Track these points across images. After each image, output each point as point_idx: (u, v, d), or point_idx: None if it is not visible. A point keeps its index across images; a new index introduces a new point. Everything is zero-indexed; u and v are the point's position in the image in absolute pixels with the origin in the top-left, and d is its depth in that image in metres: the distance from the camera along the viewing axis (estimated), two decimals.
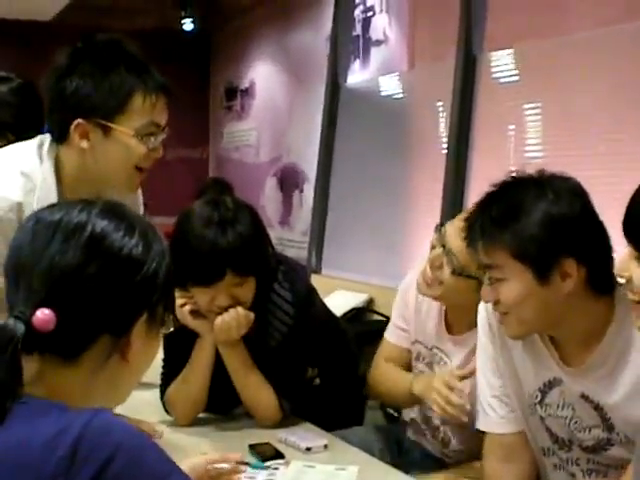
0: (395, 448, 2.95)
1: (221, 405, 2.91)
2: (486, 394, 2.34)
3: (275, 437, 2.62)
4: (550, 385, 2.19)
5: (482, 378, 2.35)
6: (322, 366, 2.86)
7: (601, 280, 2.06)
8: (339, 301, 4.82)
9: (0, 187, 2.31)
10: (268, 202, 6.84)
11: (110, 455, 1.16)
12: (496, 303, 2.12)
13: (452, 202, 4.67)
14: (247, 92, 7.64)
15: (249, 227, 2.62)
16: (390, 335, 2.94)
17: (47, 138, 2.41)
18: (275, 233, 6.49)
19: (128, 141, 2.31)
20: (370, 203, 5.43)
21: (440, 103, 5.03)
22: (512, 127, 4.59)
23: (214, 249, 2.55)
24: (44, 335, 1.26)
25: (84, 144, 2.32)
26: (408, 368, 2.88)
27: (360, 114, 5.82)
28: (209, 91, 8.49)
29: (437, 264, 2.60)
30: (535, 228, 2.02)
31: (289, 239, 6.36)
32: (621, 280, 1.72)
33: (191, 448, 2.17)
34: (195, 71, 8.25)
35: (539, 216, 2.03)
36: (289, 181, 6.70)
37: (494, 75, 4.70)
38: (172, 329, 2.75)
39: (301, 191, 6.48)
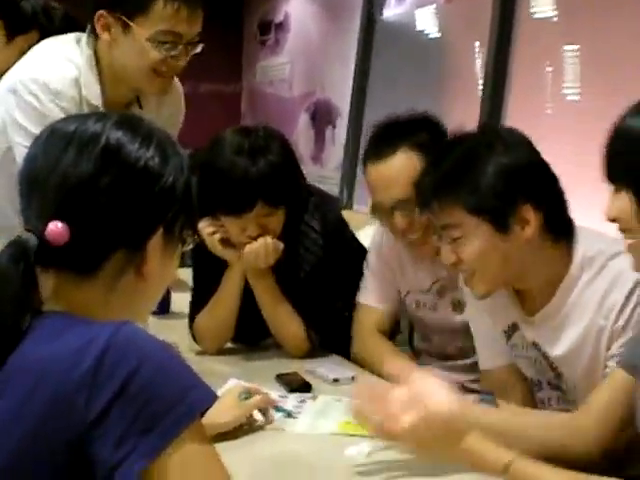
0: None
1: (250, 336, 2.92)
2: (475, 333, 2.39)
3: (303, 368, 2.61)
4: (513, 328, 2.24)
5: (470, 319, 2.41)
6: (351, 298, 2.84)
7: (558, 223, 2.09)
8: (370, 236, 4.80)
9: (54, 67, 2.41)
10: (300, 137, 6.79)
11: (136, 366, 1.14)
12: (458, 264, 2.13)
13: None
14: (281, 26, 7.56)
15: (280, 156, 2.59)
16: (370, 299, 2.81)
17: (83, 35, 2.48)
18: (307, 169, 6.37)
19: (142, 43, 2.36)
20: None
21: (477, 42, 4.95)
22: (549, 68, 4.52)
23: (245, 178, 2.53)
24: (58, 249, 1.25)
25: (106, 36, 2.40)
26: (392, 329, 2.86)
27: (395, 49, 5.75)
28: (243, 25, 8.41)
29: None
30: (489, 180, 2.04)
31: (321, 175, 6.32)
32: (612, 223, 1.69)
33: (218, 376, 2.17)
34: (229, 5, 8.17)
35: (491, 168, 2.04)
36: (322, 116, 6.65)
37: (533, 13, 4.61)
38: (200, 258, 2.78)
39: (334, 127, 6.43)
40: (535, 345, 2.20)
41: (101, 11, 2.37)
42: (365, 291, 2.82)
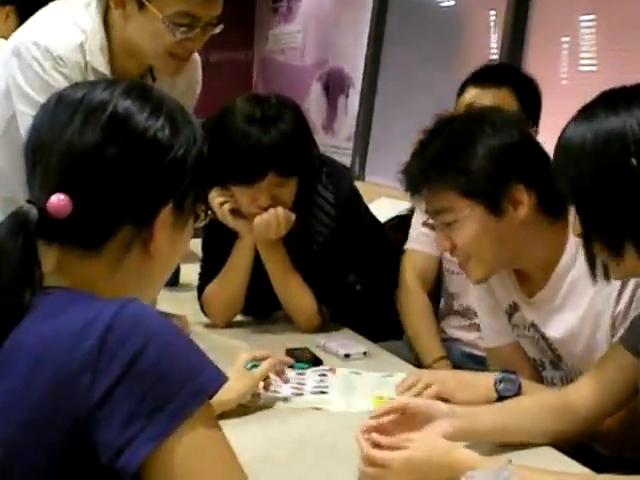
0: None
1: (260, 308, 2.87)
2: (479, 311, 2.38)
3: (313, 343, 2.57)
4: (514, 308, 2.22)
5: (474, 297, 2.39)
6: (363, 272, 2.79)
7: (552, 202, 2.05)
8: (382, 208, 4.75)
9: (59, 31, 2.32)
10: (312, 107, 6.72)
11: (141, 347, 1.08)
12: (453, 250, 2.11)
13: None
14: None
15: (293, 125, 2.53)
16: (416, 243, 2.86)
17: (93, 0, 2.38)
18: (319, 139, 6.32)
19: (157, 25, 2.25)
20: (416, 111, 5.31)
21: (493, 12, 4.87)
22: (566, 38, 4.44)
23: (257, 147, 2.47)
24: (62, 223, 1.19)
25: (120, 12, 2.29)
26: (436, 279, 2.87)
27: (409, 18, 5.68)
28: None
29: None
30: (479, 162, 2.02)
31: (333, 145, 6.26)
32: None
33: (228, 350, 2.13)
34: None
35: (481, 149, 2.02)
36: (334, 85, 6.58)
37: None
38: (210, 229, 2.74)
39: (346, 96, 6.36)
40: (534, 326, 2.18)
41: None
42: (410, 236, 2.89)
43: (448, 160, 2.05)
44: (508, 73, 2.81)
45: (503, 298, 2.25)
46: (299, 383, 2.25)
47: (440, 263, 2.88)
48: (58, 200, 1.18)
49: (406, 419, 1.78)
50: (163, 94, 1.32)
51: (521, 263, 2.13)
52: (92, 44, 2.34)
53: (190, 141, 1.28)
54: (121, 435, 1.06)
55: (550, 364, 2.20)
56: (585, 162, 1.60)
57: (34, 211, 1.18)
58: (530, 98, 2.77)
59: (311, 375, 2.30)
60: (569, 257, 2.07)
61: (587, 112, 1.64)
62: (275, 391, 2.15)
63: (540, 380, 2.24)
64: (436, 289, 2.93)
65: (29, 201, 1.20)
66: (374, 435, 1.68)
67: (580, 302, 2.06)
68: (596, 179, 1.59)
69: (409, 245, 2.88)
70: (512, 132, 2.08)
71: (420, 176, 2.10)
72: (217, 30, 2.33)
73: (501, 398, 2.01)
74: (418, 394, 2.06)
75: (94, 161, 1.20)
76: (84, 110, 1.23)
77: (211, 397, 1.13)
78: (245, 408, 2.04)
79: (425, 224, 2.21)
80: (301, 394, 2.18)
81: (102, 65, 2.34)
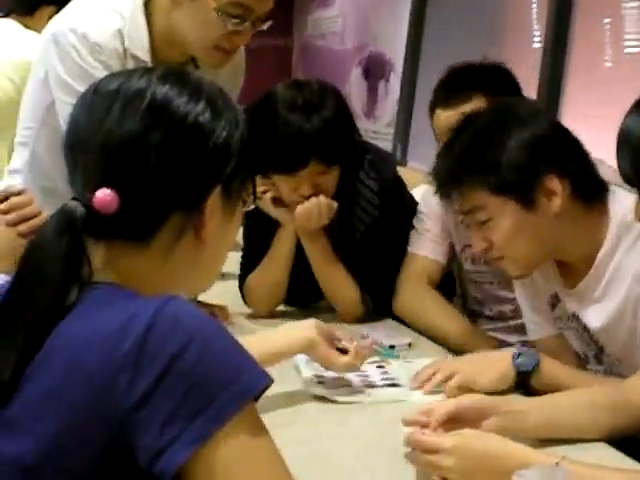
0: None
1: (303, 298, 2.85)
2: (522, 304, 2.32)
3: (357, 334, 2.52)
4: (556, 299, 2.18)
5: (516, 290, 2.34)
6: None
7: (587, 187, 2.01)
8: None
9: (97, 17, 2.28)
10: (353, 92, 6.68)
11: (181, 347, 1.05)
12: (489, 249, 2.07)
13: (547, 99, 4.46)
14: None
15: (335, 112, 2.50)
16: (422, 249, 2.70)
17: None
18: (360, 124, 6.31)
19: (209, 14, 2.22)
20: None
21: None
22: (609, 20, 4.36)
23: (299, 135, 2.43)
24: (109, 218, 1.16)
25: (169, 1, 2.26)
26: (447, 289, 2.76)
27: (451, 1, 5.61)
28: None
29: None
30: (508, 156, 1.98)
31: (374, 130, 6.22)
32: None
33: None
34: None
35: (509, 143, 1.99)
36: (375, 70, 6.53)
37: None
38: (251, 218, 2.70)
39: (387, 81, 6.31)
40: (575, 317, 2.13)
41: None
42: (415, 241, 2.72)
43: (475, 158, 2.02)
44: (474, 79, 2.52)
45: (545, 290, 2.20)
46: (363, 375, 2.18)
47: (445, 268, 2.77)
48: (104, 195, 1.15)
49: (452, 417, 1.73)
50: (201, 78, 1.29)
51: (562, 255, 2.08)
52: (131, 30, 2.31)
53: (233, 124, 1.25)
54: (160, 438, 1.03)
55: (594, 358, 2.15)
56: None
57: (80, 209, 1.15)
58: (507, 91, 2.53)
59: (369, 367, 2.23)
60: (610, 246, 2.01)
61: None
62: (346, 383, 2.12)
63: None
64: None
65: (74, 198, 1.17)
66: (424, 431, 1.65)
67: (619, 290, 2.01)
68: None
69: (413, 250, 2.72)
70: (540, 122, 2.04)
71: (448, 177, 2.08)
72: (266, 26, 2.30)
73: (520, 373, 1.98)
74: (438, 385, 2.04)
75: (136, 151, 1.17)
76: (122, 100, 1.20)
77: (256, 399, 1.09)
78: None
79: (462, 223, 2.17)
80: (372, 386, 2.13)
81: (142, 51, 2.31)
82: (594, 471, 1.52)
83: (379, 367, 2.26)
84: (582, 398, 1.88)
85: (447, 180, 2.09)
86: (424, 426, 1.68)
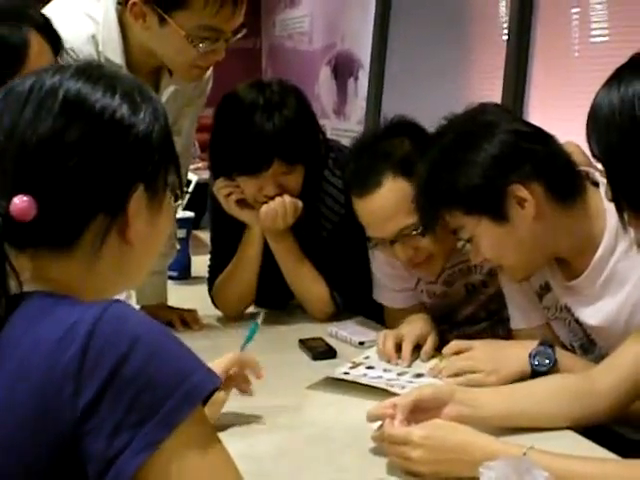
0: None
1: (272, 300, 2.83)
2: (507, 292, 2.30)
3: (326, 332, 2.53)
4: (546, 287, 2.17)
5: (503, 278, 2.31)
6: None
7: (561, 183, 2.00)
8: None
9: (71, 23, 2.25)
10: (322, 91, 6.67)
11: (126, 351, 1.02)
12: (487, 260, 2.10)
13: (513, 91, 4.47)
14: None
15: (296, 111, 2.49)
16: (384, 300, 2.65)
17: None
18: (330, 123, 6.34)
19: (179, 39, 2.20)
20: (426, 90, 5.25)
21: None
22: (576, 9, 4.36)
23: (260, 135, 2.42)
24: (29, 226, 1.11)
25: (140, 23, 2.24)
26: None
27: None
28: None
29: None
30: (466, 179, 1.98)
31: (345, 129, 6.21)
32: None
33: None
34: None
35: (465, 166, 1.99)
36: (344, 69, 6.52)
37: None
38: (218, 221, 2.69)
39: (356, 79, 6.30)
40: (567, 309, 2.12)
41: (135, 0, 2.21)
42: (380, 292, 2.66)
43: (437, 186, 2.04)
44: (379, 158, 2.36)
45: (534, 279, 2.19)
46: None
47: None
48: (21, 202, 1.10)
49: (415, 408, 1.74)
50: (117, 72, 1.25)
51: (560, 252, 2.07)
52: (105, 35, 2.30)
53: (152, 117, 1.20)
54: (109, 447, 1.00)
55: (580, 348, 2.14)
56: (614, 126, 1.56)
57: None
58: (419, 150, 2.30)
59: (365, 370, 2.21)
60: (609, 243, 2.00)
61: (617, 77, 1.59)
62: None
63: None
64: None
65: None
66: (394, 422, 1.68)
67: (619, 290, 1.99)
68: (623, 140, 1.55)
69: (384, 302, 2.67)
70: (494, 138, 2.00)
71: (423, 207, 2.12)
72: (239, 36, 2.30)
73: (535, 373, 1.97)
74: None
75: (53, 152, 1.12)
76: (34, 100, 1.15)
77: (206, 401, 1.07)
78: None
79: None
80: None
81: (116, 56, 2.30)
82: (561, 460, 1.52)
83: (369, 368, 2.23)
84: (546, 387, 1.88)
85: (423, 210, 2.12)
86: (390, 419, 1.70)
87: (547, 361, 1.98)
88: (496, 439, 1.63)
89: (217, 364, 1.83)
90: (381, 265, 2.60)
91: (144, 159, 1.19)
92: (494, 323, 2.57)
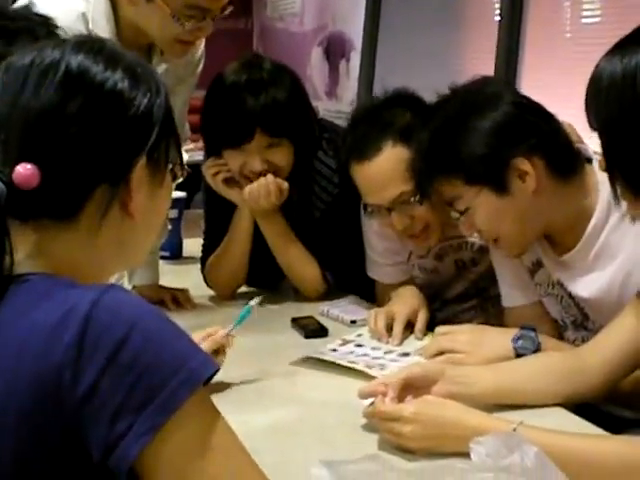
0: None
1: (265, 279, 2.83)
2: (499, 270, 2.31)
3: (318, 310, 2.54)
4: (538, 264, 2.18)
5: (494, 256, 2.32)
6: None
7: (561, 159, 2.01)
8: None
9: (61, 1, 2.24)
10: (314, 72, 6.67)
11: (123, 336, 1.03)
12: (480, 233, 2.10)
13: (505, 72, 4.47)
14: None
15: (285, 90, 2.50)
16: (375, 275, 2.67)
17: None
18: (322, 104, 6.34)
19: (165, 16, 2.21)
20: (418, 72, 5.25)
21: None
22: None
23: (243, 107, 2.45)
24: (32, 195, 1.12)
25: (126, 0, 2.26)
26: None
27: None
28: None
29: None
30: (471, 147, 1.98)
31: (337, 110, 6.20)
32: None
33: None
34: None
35: (470, 134, 1.99)
36: (335, 50, 6.51)
37: None
38: (211, 200, 2.70)
39: (348, 60, 6.30)
40: (560, 284, 2.13)
41: None
42: (373, 267, 2.67)
43: (441, 153, 2.04)
44: (380, 125, 2.36)
45: (526, 256, 2.20)
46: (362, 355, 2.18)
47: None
48: (24, 170, 1.11)
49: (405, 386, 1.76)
50: (118, 47, 1.26)
51: (552, 227, 2.08)
52: (95, 13, 2.30)
53: (153, 91, 1.21)
54: (110, 433, 1.01)
55: (572, 324, 2.16)
56: (613, 94, 1.56)
57: (1, 186, 1.11)
58: (419, 122, 2.29)
59: (354, 348, 2.23)
60: (601, 216, 2.01)
61: (620, 46, 1.59)
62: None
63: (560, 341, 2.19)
64: None
65: None
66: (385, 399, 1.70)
67: (611, 262, 2.01)
68: (622, 111, 1.55)
69: (375, 276, 2.68)
70: (500, 107, 2.02)
71: (421, 174, 2.11)
72: (226, 13, 2.31)
73: (519, 356, 1.97)
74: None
75: (55, 122, 1.14)
76: (36, 73, 1.16)
77: (206, 384, 1.07)
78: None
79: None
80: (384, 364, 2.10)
81: (107, 33, 2.29)
82: (551, 436, 1.53)
83: (358, 346, 2.25)
84: (536, 364, 1.90)
85: (421, 176, 2.12)
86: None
87: (531, 345, 1.97)
88: (486, 415, 1.64)
89: (195, 337, 1.85)
90: (374, 239, 2.61)
91: (145, 132, 1.20)
92: (483, 300, 2.59)
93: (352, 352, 2.19)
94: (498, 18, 4.62)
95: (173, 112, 1.27)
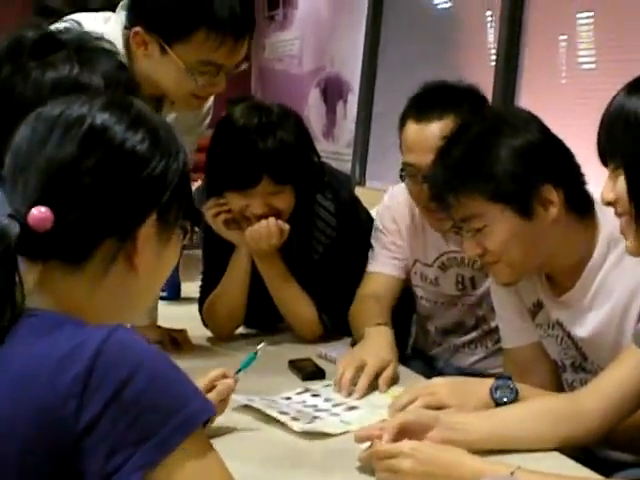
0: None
1: (262, 320, 2.85)
2: (499, 310, 2.32)
3: (315, 352, 2.55)
4: (539, 305, 2.18)
5: (495, 296, 2.33)
6: None
7: (579, 199, 2.03)
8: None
9: None
10: (312, 113, 6.70)
11: (129, 374, 1.07)
12: (483, 254, 2.08)
13: None
14: (289, 1, 7.45)
15: (292, 134, 2.52)
16: (381, 266, 2.73)
17: (113, 14, 2.36)
18: (319, 145, 6.27)
19: (178, 72, 2.23)
20: None
21: (489, 12, 4.84)
22: (563, 37, 4.40)
23: (251, 151, 2.46)
24: (44, 237, 1.17)
25: (142, 51, 2.28)
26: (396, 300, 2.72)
27: (405, 21, 5.64)
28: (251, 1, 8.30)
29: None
30: (505, 164, 1.99)
31: (333, 151, 6.23)
32: (609, 206, 1.66)
33: (228, 362, 2.10)
34: None
35: (504, 151, 1.99)
36: (333, 92, 6.55)
37: None
38: (210, 241, 2.71)
39: (345, 102, 6.33)
40: (559, 324, 2.14)
41: (138, 28, 2.25)
42: (371, 259, 2.75)
43: (472, 166, 2.03)
44: (450, 98, 2.50)
45: (527, 296, 2.21)
46: (304, 405, 2.15)
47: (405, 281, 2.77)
48: (39, 212, 1.16)
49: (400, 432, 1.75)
50: (144, 109, 1.31)
51: (552, 264, 2.09)
52: None
53: (171, 156, 1.26)
54: (107, 464, 1.05)
55: (571, 366, 2.17)
56: (635, 131, 1.57)
57: (15, 225, 1.16)
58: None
59: (307, 397, 2.20)
60: (599, 256, 2.03)
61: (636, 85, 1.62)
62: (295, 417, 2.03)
63: (559, 382, 2.21)
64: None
65: (10, 215, 1.18)
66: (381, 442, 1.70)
67: (608, 301, 2.02)
68: None
69: (369, 268, 2.75)
70: (532, 130, 2.05)
71: (445, 184, 2.08)
72: (241, 69, 2.34)
73: (498, 405, 1.95)
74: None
75: (72, 173, 1.19)
76: (62, 125, 1.22)
77: (204, 425, 1.11)
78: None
79: (453, 229, 2.17)
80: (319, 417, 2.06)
81: None
82: None
83: (314, 396, 2.22)
84: (531, 408, 1.90)
85: (444, 187, 2.09)
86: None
87: (509, 394, 1.95)
88: (484, 459, 1.65)
89: (199, 383, 1.85)
90: (388, 231, 2.69)
91: (157, 193, 1.25)
92: (483, 334, 2.62)
93: (304, 401, 2.16)
94: (494, 63, 4.67)
95: (189, 176, 1.31)
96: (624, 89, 1.63)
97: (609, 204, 1.64)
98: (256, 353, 2.08)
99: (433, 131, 2.42)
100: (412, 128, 2.49)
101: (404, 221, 2.72)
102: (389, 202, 2.78)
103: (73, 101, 1.26)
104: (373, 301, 2.63)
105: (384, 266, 2.72)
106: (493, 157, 2.00)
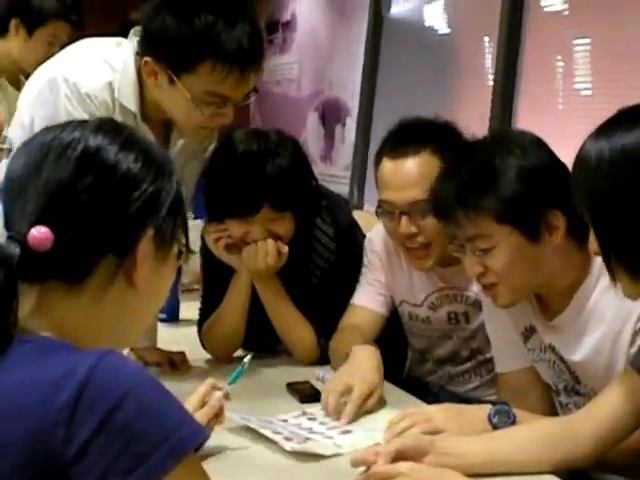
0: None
1: (261, 343, 2.84)
2: (492, 335, 2.34)
3: (313, 375, 2.55)
4: (531, 330, 2.19)
5: (488, 322, 2.35)
6: None
7: (580, 226, 1.99)
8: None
9: (90, 69, 2.31)
10: (310, 137, 6.72)
11: (118, 401, 1.07)
12: (485, 274, 2.08)
13: None
14: (288, 25, 7.49)
15: (291, 161, 2.53)
16: (368, 301, 2.71)
17: (124, 40, 2.38)
18: (317, 168, 6.28)
19: (186, 102, 2.24)
20: None
21: (487, 38, 4.88)
22: (560, 62, 4.43)
23: (251, 180, 2.47)
24: (43, 258, 1.18)
25: (152, 80, 2.29)
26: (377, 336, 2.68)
27: (404, 46, 5.67)
28: None
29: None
30: (515, 186, 2.00)
31: (331, 174, 6.25)
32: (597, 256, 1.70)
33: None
34: None
35: (514, 173, 2.00)
36: (331, 115, 6.57)
37: (543, 6, 4.52)
38: (209, 264, 2.73)
39: (343, 125, 6.35)
40: (552, 348, 2.15)
41: (148, 58, 2.27)
42: (357, 291, 2.74)
43: (483, 184, 2.03)
44: (425, 134, 2.50)
45: (520, 321, 2.22)
46: (299, 427, 2.14)
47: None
48: (39, 233, 1.18)
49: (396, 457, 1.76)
50: (136, 131, 1.35)
51: (547, 288, 2.11)
52: (122, 83, 2.33)
53: (165, 176, 1.30)
54: None
55: (564, 390, 2.18)
56: (601, 178, 1.59)
57: (14, 246, 1.17)
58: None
59: (303, 420, 2.19)
60: (592, 280, 2.05)
61: (606, 127, 1.63)
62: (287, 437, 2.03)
63: (552, 406, 2.22)
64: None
65: (9, 237, 1.19)
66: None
67: (600, 325, 2.03)
68: (612, 196, 1.58)
69: (353, 300, 2.73)
70: (540, 154, 2.06)
71: (456, 202, 2.06)
72: (249, 101, 2.34)
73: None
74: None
75: (69, 193, 1.22)
76: (56, 148, 1.25)
77: (197, 450, 1.11)
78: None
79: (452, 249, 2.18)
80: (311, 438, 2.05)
81: (131, 103, 2.34)
82: None
83: (310, 419, 2.21)
84: (526, 432, 1.90)
85: (454, 205, 2.07)
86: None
87: (507, 419, 1.95)
88: None
89: (191, 401, 1.90)
90: (373, 267, 2.69)
91: (151, 212, 1.27)
92: (478, 364, 2.62)
93: (299, 424, 2.16)
94: (492, 86, 4.69)
95: (183, 195, 1.34)
96: (592, 134, 1.64)
97: (597, 254, 1.68)
98: (243, 366, 2.09)
99: (409, 167, 2.44)
100: (388, 165, 2.49)
101: (388, 258, 2.72)
102: (374, 237, 2.77)
103: (65, 126, 1.29)
104: (356, 332, 2.60)
105: (370, 301, 2.71)
106: (503, 177, 2.01)
